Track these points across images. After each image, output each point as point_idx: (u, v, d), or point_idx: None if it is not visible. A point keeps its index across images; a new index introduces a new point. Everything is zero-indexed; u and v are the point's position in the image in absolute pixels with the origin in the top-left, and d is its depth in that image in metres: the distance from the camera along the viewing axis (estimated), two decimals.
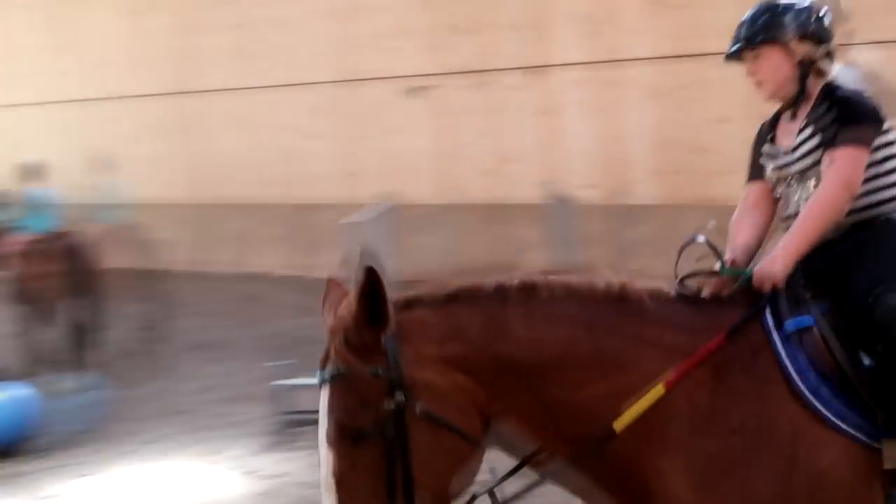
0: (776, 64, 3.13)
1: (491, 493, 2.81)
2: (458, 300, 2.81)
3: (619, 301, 2.89)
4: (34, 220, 11.51)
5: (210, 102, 15.76)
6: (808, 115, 3.13)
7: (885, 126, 3.10)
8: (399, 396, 2.64)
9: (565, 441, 2.77)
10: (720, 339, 2.82)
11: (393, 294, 2.72)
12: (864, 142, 3.03)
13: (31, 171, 11.80)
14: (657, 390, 2.74)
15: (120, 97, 16.47)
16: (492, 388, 2.74)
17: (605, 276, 2.95)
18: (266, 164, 14.62)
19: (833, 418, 2.76)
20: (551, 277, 2.90)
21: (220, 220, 14.96)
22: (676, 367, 2.76)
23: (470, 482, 2.79)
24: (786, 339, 2.84)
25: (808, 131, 3.11)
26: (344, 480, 2.66)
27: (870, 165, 3.04)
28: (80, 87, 16.63)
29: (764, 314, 2.90)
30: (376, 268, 2.66)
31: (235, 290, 13.39)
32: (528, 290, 2.84)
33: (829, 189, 3.00)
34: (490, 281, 2.87)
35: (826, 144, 3.05)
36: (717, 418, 2.78)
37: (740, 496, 2.73)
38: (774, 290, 2.93)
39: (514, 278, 2.88)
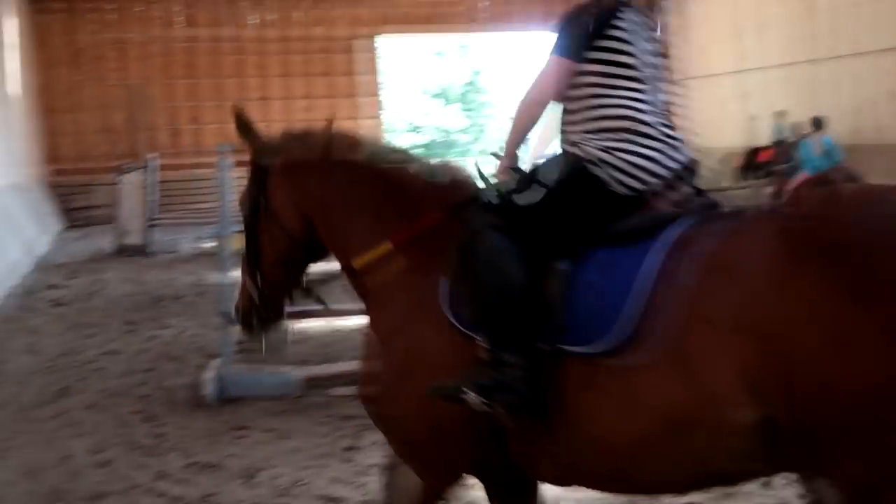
0: None
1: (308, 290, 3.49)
2: (314, 160, 3.31)
3: (396, 176, 3.23)
4: (813, 163, 13.76)
5: None
6: None
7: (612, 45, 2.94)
8: (259, 195, 3.37)
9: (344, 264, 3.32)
10: (440, 216, 3.09)
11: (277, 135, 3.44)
12: (561, 51, 2.96)
13: (817, 123, 14.08)
14: (386, 245, 3.13)
15: (859, 53, 17.49)
16: (312, 215, 3.32)
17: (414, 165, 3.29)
18: None
19: (444, 297, 2.92)
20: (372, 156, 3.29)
21: None
22: (407, 231, 3.11)
23: (298, 281, 3.46)
24: (472, 217, 3.01)
25: None
26: (243, 249, 3.48)
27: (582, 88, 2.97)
28: (825, 48, 18.09)
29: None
30: (242, 115, 3.39)
31: None
32: (349, 159, 3.28)
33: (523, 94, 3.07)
34: (341, 151, 3.31)
35: None
36: (407, 279, 3.08)
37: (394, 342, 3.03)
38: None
39: (351, 154, 3.30)
